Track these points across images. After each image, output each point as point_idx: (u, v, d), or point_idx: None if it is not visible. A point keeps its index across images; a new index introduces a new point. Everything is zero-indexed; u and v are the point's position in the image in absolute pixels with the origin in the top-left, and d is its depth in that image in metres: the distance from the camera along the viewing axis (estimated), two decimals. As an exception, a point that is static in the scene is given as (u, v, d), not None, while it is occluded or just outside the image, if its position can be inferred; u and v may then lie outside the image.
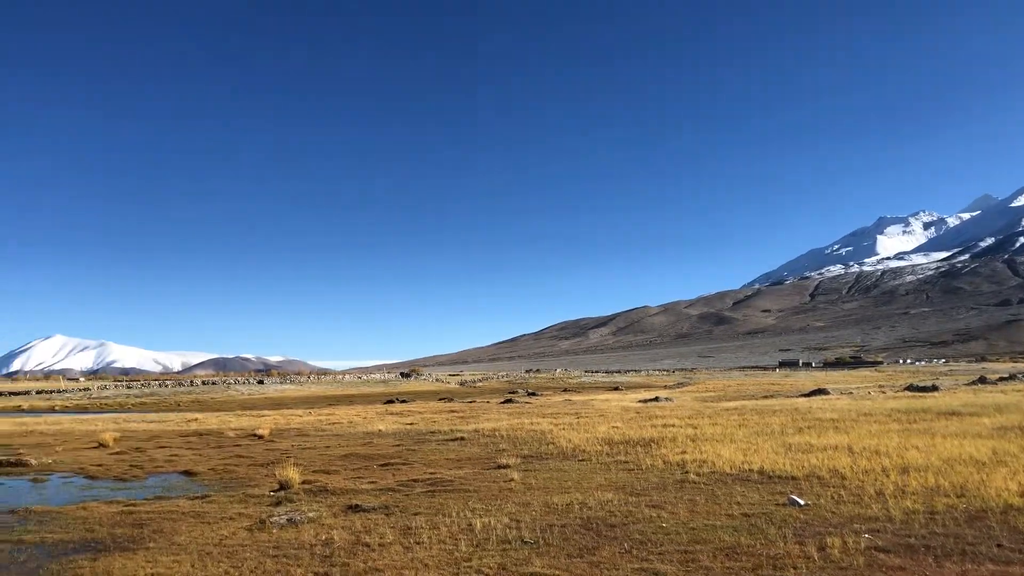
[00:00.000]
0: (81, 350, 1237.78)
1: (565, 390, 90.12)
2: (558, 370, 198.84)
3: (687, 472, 16.55)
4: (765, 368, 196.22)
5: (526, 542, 10.58)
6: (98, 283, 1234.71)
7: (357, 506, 13.77)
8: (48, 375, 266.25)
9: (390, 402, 64.08)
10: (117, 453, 25.24)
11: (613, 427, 27.91)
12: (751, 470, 16.52)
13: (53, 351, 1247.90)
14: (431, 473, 18.16)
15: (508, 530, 11.32)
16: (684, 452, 19.73)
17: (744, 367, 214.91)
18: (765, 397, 52.69)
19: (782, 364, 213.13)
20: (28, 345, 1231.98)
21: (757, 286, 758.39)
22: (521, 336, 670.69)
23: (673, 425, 27.89)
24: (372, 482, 17.19)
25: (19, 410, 67.93)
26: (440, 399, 69.37)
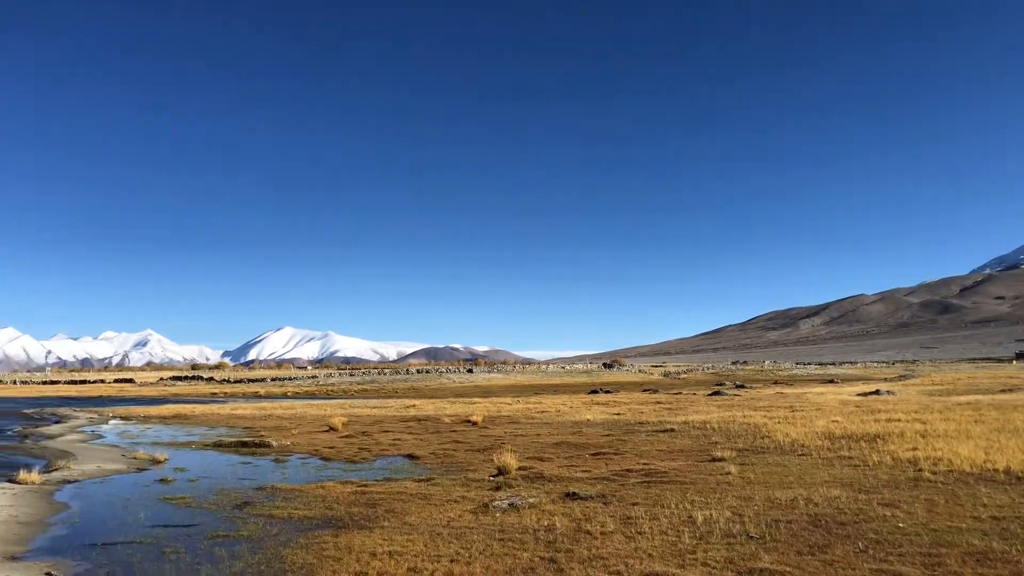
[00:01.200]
0: (308, 340, 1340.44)
1: (776, 382, 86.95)
2: (766, 362, 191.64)
3: (920, 470, 15.41)
4: (999, 360, 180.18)
5: (751, 537, 10.27)
6: (324, 279, 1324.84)
7: (574, 494, 13.94)
8: (280, 363, 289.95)
9: (594, 392, 64.47)
10: (346, 436, 27.07)
11: (832, 421, 26.57)
12: (995, 469, 15.08)
13: (283, 341, 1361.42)
14: (644, 464, 18.08)
15: (731, 524, 11.04)
16: (915, 448, 18.41)
17: (974, 359, 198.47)
18: (1002, 391, 48.22)
19: (1020, 356, 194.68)
20: (262, 336, 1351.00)
21: (988, 271, 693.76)
22: (726, 327, 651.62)
23: (899, 420, 26.13)
24: (586, 471, 17.37)
25: (257, 396, 74.48)
26: (644, 390, 68.94)
